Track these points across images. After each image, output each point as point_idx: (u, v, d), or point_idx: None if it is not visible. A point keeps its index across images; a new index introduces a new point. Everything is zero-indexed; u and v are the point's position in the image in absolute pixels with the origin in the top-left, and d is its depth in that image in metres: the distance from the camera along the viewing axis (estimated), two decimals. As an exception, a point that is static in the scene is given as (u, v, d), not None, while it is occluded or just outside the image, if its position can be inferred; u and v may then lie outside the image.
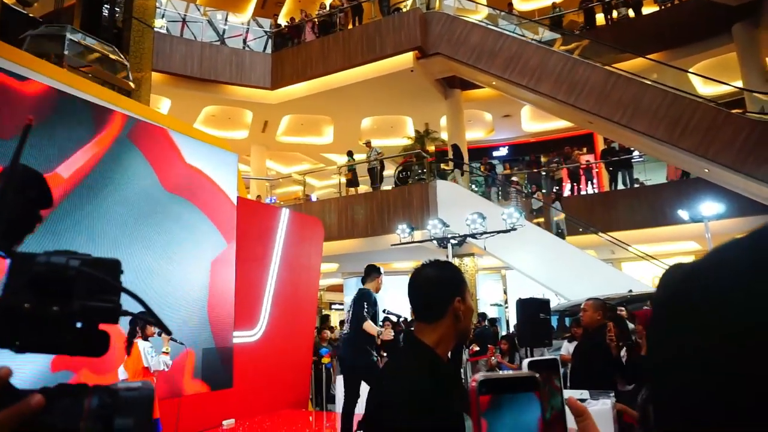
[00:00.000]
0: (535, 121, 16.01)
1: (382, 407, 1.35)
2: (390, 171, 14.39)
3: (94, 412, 0.62)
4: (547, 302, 5.79)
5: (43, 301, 0.64)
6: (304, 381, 7.62)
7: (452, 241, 7.50)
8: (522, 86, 11.45)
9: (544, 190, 13.45)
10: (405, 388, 1.35)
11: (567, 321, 9.57)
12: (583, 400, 2.63)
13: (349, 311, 5.31)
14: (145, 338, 4.41)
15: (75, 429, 0.62)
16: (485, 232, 7.32)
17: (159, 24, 13.39)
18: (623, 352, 3.83)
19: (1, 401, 0.58)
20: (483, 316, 11.49)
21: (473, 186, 14.07)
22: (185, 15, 16.21)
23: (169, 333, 0.70)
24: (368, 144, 14.07)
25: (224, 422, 6.23)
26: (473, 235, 7.43)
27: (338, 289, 18.14)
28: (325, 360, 7.46)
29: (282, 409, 7.01)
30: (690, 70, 12.01)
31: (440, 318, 1.43)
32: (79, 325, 0.66)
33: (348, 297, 18.08)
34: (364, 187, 13.86)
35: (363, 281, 5.38)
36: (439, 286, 1.48)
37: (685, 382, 0.39)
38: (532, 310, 5.52)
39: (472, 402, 0.51)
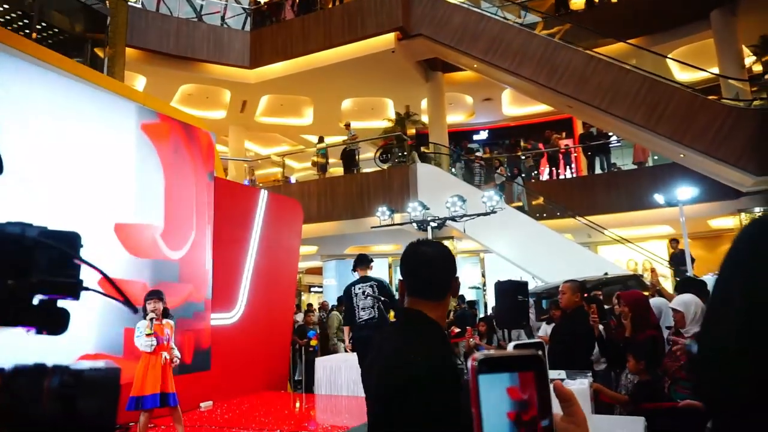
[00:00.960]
0: (516, 105, 16.05)
1: (406, 388, 1.30)
2: (369, 154, 14.30)
3: (53, 393, 0.58)
4: (524, 284, 5.85)
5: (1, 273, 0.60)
6: (283, 363, 7.62)
7: (432, 224, 7.49)
8: (503, 69, 11.43)
9: (523, 174, 13.55)
10: (433, 365, 1.32)
11: (544, 303, 9.74)
12: (561, 380, 2.66)
13: (367, 297, 5.40)
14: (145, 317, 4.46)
15: (34, 410, 0.58)
16: (465, 215, 7.33)
17: (133, -1, 12.98)
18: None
19: None
20: (462, 298, 11.60)
21: (453, 170, 14.09)
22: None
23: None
24: (347, 126, 13.96)
25: (202, 404, 6.20)
26: (453, 218, 7.44)
27: (317, 271, 18.12)
28: (313, 342, 7.46)
29: (261, 390, 7.00)
30: (668, 55, 12.12)
31: (443, 296, 1.44)
32: (36, 300, 0.62)
33: (327, 279, 18.09)
34: (336, 170, 13.79)
35: (356, 269, 5.63)
36: (444, 265, 1.47)
37: None
38: (510, 292, 5.57)
39: (471, 380, 0.49)
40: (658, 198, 10.15)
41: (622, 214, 11.70)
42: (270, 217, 7.38)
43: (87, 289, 0.64)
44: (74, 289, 0.60)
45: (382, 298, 5.21)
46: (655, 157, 12.99)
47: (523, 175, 13.52)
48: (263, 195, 7.40)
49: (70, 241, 0.65)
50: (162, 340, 4.52)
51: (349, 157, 13.30)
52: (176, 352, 4.68)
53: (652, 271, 5.94)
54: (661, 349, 3.45)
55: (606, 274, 8.01)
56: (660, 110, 9.50)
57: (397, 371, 1.34)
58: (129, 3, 10.10)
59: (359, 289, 5.55)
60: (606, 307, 5.23)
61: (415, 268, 1.52)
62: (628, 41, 11.67)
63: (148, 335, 4.42)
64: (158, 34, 12.98)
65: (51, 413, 0.56)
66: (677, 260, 10.56)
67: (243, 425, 5.39)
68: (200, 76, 13.98)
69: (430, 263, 1.49)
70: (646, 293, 5.13)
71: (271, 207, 7.42)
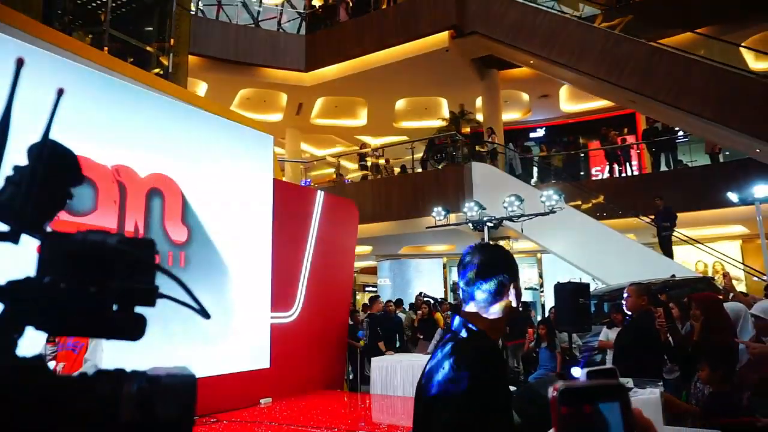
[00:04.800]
0: (574, 102, 15.55)
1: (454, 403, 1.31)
2: (419, 154, 14.24)
3: (132, 399, 0.59)
4: (586, 286, 5.64)
5: (79, 281, 0.61)
6: (340, 362, 7.69)
7: (488, 224, 7.36)
8: (561, 65, 11.10)
9: (582, 172, 13.13)
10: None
11: (605, 306, 9.39)
12: (629, 389, 2.54)
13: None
14: None
15: (112, 416, 0.59)
16: (523, 215, 7.16)
17: (195, 7, 13.49)
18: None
19: (40, 386, 0.56)
20: (515, 299, 11.32)
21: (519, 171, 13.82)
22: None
23: (207, 317, 0.67)
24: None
25: (261, 400, 6.35)
26: (510, 218, 7.28)
27: (372, 271, 18.22)
28: (363, 343, 7.50)
29: (317, 389, 7.10)
30: (741, 44, 11.41)
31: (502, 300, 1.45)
32: (115, 307, 0.63)
33: (381, 279, 18.16)
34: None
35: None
36: (507, 269, 1.46)
37: None
38: (570, 294, 5.38)
39: (553, 413, 0.46)
40: (732, 196, 9.57)
41: (691, 214, 11.10)
42: (326, 217, 7.47)
43: (162, 296, 0.64)
44: (150, 296, 0.61)
45: None
46: (726, 153, 12.26)
47: (581, 173, 13.11)
48: (320, 195, 7.51)
49: (146, 248, 0.66)
50: (62, 346, 3.40)
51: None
52: (85, 370, 3.16)
53: (725, 275, 5.59)
54: (735, 357, 3.24)
55: (673, 276, 7.62)
56: (732, 103, 8.95)
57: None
58: (191, 12, 10.48)
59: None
60: (673, 311, 4.97)
61: (472, 270, 1.51)
62: (695, 31, 11.08)
63: (49, 342, 3.32)
64: (219, 42, 13.42)
65: (130, 419, 0.57)
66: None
67: (301, 422, 5.48)
68: (258, 81, 14.36)
69: (495, 266, 1.50)
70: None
71: (327, 207, 7.52)
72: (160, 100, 5.87)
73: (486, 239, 7.79)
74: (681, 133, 12.41)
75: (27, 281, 0.57)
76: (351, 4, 14.40)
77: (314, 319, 7.14)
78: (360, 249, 14.12)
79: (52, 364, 3.31)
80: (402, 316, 9.19)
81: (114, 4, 8.19)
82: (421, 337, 8.36)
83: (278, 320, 6.69)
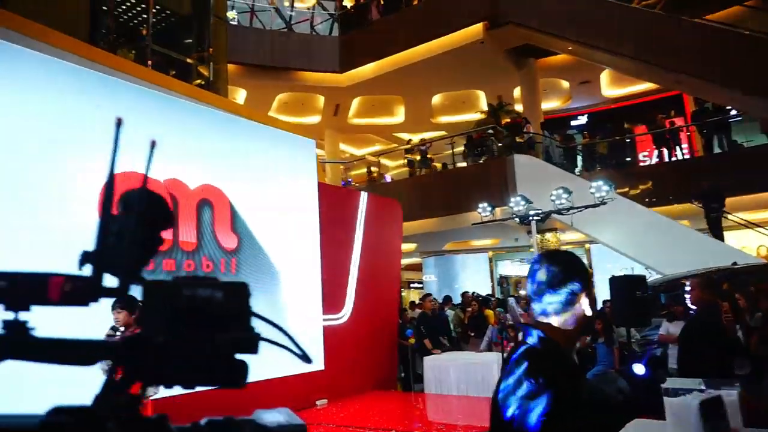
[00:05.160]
0: (617, 86, 15.06)
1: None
2: (460, 148, 14.08)
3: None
4: (643, 279, 5.46)
5: (179, 331, 0.61)
6: (392, 361, 7.71)
7: (535, 218, 7.21)
8: (601, 49, 10.77)
9: (628, 158, 12.71)
10: None
11: (662, 297, 9.07)
12: (701, 391, 2.44)
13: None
14: None
15: None
16: (572, 208, 6.98)
17: (230, 16, 13.75)
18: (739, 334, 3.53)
19: None
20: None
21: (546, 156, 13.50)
22: (253, 4, 16.57)
23: (309, 361, 0.66)
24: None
25: (318, 402, 6.43)
26: (559, 211, 7.12)
27: (417, 268, 18.18)
28: (411, 341, 7.49)
29: (371, 389, 7.14)
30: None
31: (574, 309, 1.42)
32: (219, 355, 0.63)
33: (427, 275, 18.12)
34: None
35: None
36: (578, 277, 1.43)
37: None
38: (626, 287, 5.21)
39: None
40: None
41: (750, 196, 10.57)
42: (371, 217, 7.49)
43: (264, 340, 0.64)
44: (253, 344, 0.60)
45: None
46: (786, 130, 11.61)
47: (628, 159, 12.68)
48: (364, 197, 7.53)
49: (241, 293, 0.65)
50: None
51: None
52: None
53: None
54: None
55: (734, 263, 7.28)
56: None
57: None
58: (228, 21, 10.68)
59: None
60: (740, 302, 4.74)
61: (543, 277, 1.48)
62: (744, 3, 10.54)
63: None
64: (255, 48, 13.63)
65: None
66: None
67: (358, 423, 5.52)
68: (295, 84, 14.51)
69: (571, 274, 1.49)
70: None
71: (371, 208, 7.53)
72: (204, 111, 6.00)
73: (534, 233, 7.63)
74: (734, 112, 11.83)
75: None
76: (382, 2, 14.37)
77: (364, 319, 7.17)
78: (404, 246, 14.09)
79: None
80: (450, 313, 9.12)
81: (154, 20, 8.42)
82: (473, 334, 8.28)
83: (330, 322, 6.75)
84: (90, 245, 0.60)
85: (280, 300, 6.25)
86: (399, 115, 16.50)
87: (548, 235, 12.16)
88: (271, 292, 6.21)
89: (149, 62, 7.59)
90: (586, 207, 6.93)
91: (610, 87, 15.19)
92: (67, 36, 5.52)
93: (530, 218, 7.00)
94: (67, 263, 0.59)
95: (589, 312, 1.46)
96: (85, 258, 0.63)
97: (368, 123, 16.67)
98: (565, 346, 1.46)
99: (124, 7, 8.09)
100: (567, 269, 1.47)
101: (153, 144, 0.65)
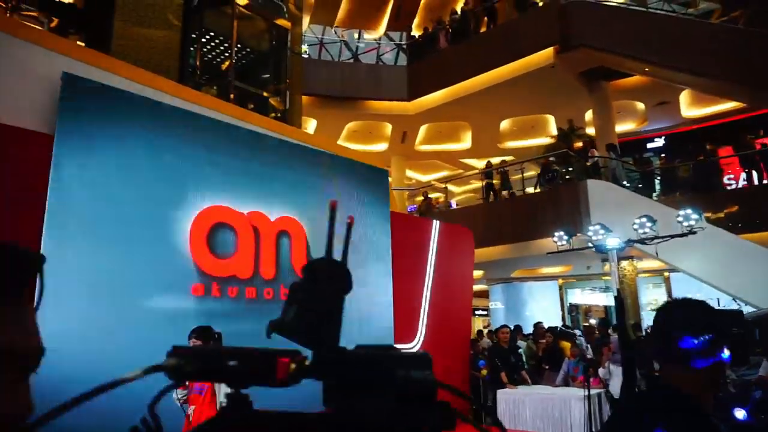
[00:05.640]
0: (698, 106, 14.35)
1: None
2: (530, 173, 13.81)
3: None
4: (739, 313, 5.07)
5: (371, 408, 0.61)
6: (465, 393, 7.53)
7: (615, 247, 6.91)
8: (682, 69, 10.34)
9: (712, 182, 11.99)
10: None
11: (756, 333, 8.41)
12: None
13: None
14: None
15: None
16: (656, 237, 6.65)
17: (302, 49, 14.31)
18: None
19: None
20: (637, 326, 10.39)
21: (626, 183, 12.99)
22: (322, 38, 17.20)
23: (503, 428, 0.65)
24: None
25: None
26: (642, 241, 6.79)
27: (483, 294, 17.85)
28: (484, 372, 7.30)
29: (443, 421, 6.99)
30: None
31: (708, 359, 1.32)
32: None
33: (493, 303, 17.73)
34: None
35: None
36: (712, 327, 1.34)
37: None
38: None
39: None
40: None
41: None
42: (443, 246, 7.44)
43: (460, 416, 0.62)
44: (451, 421, 0.59)
45: None
46: None
47: (712, 182, 11.97)
48: (436, 225, 7.51)
49: (422, 362, 0.65)
50: (191, 390, 3.61)
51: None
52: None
53: None
54: None
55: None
56: None
57: None
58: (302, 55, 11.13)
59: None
60: None
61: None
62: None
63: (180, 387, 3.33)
64: (325, 80, 14.08)
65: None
66: None
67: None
68: (364, 113, 14.83)
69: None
70: None
71: (443, 236, 7.50)
72: (283, 143, 6.23)
73: (614, 261, 7.30)
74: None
75: (333, 416, 0.58)
76: (450, 31, 14.51)
77: (436, 349, 7.07)
78: (472, 274, 13.90)
79: (185, 407, 3.57)
80: (522, 344, 8.85)
81: (236, 57, 8.89)
82: (547, 367, 7.98)
83: (401, 352, 6.71)
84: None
85: (353, 329, 6.29)
86: (466, 141, 16.46)
87: (624, 264, 11.64)
88: (343, 321, 6.26)
89: (231, 97, 7.99)
90: (673, 236, 6.58)
91: (691, 107, 14.51)
92: (160, 77, 5.93)
93: (610, 249, 6.70)
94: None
95: (726, 359, 1.38)
96: (279, 328, 0.66)
97: (435, 149, 16.73)
98: (701, 399, 1.37)
99: (209, 47, 8.59)
100: (699, 318, 1.39)
101: (332, 205, 0.66)
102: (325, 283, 0.69)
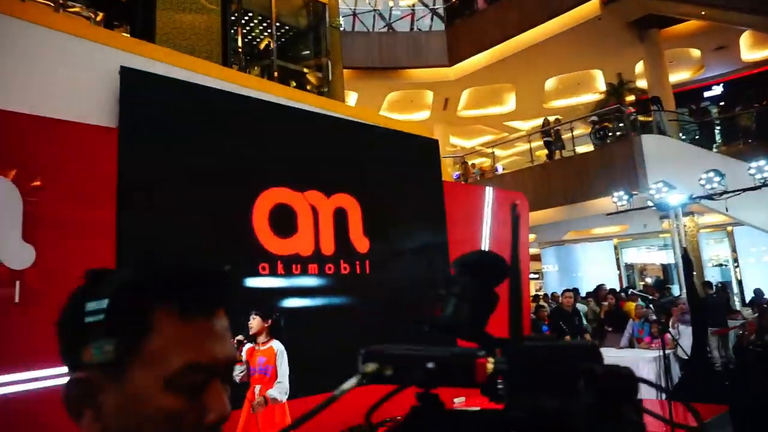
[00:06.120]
0: (760, 48, 13.44)
1: None
2: (579, 131, 13.32)
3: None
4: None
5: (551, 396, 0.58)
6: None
7: (679, 204, 6.62)
8: (740, 9, 9.67)
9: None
10: None
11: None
12: None
13: None
14: None
15: None
16: (725, 192, 6.32)
17: (339, 22, 14.14)
18: None
19: None
20: (708, 284, 10.03)
21: (682, 136, 12.38)
22: (355, 9, 16.92)
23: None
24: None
25: (455, 400, 6.43)
26: (710, 197, 6.48)
27: (534, 258, 17.62)
28: (547, 337, 7.22)
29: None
30: None
31: None
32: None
33: (546, 266, 17.50)
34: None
35: None
36: None
37: None
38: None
39: None
40: None
41: None
42: (497, 213, 7.34)
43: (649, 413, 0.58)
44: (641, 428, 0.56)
45: None
46: None
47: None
48: (489, 192, 7.39)
49: (598, 354, 0.61)
50: (254, 370, 3.56)
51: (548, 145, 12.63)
52: (274, 392, 3.48)
53: None
54: None
55: None
56: None
57: None
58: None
59: None
60: None
61: None
62: None
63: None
64: (363, 52, 13.92)
65: None
66: None
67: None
68: (403, 83, 14.63)
69: None
70: None
71: (497, 203, 7.38)
72: (329, 119, 6.21)
73: (680, 218, 7.01)
74: None
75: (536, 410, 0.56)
76: (488, -11, 14.02)
77: (497, 316, 7.04)
78: (524, 239, 13.69)
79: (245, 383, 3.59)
80: (582, 307, 8.69)
81: (276, 35, 8.87)
82: (610, 329, 7.83)
83: (461, 321, 6.71)
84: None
85: (411, 300, 6.31)
86: (509, 104, 16.05)
87: (685, 220, 11.20)
88: (401, 293, 6.30)
89: (275, 75, 8.01)
90: (745, 190, 6.24)
91: (752, 50, 13.61)
92: (204, 60, 5.97)
93: (673, 207, 6.43)
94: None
95: None
96: (439, 323, 0.64)
97: (478, 114, 16.40)
98: None
99: (248, 27, 8.60)
100: None
101: (514, 207, 0.63)
102: (481, 274, 0.67)
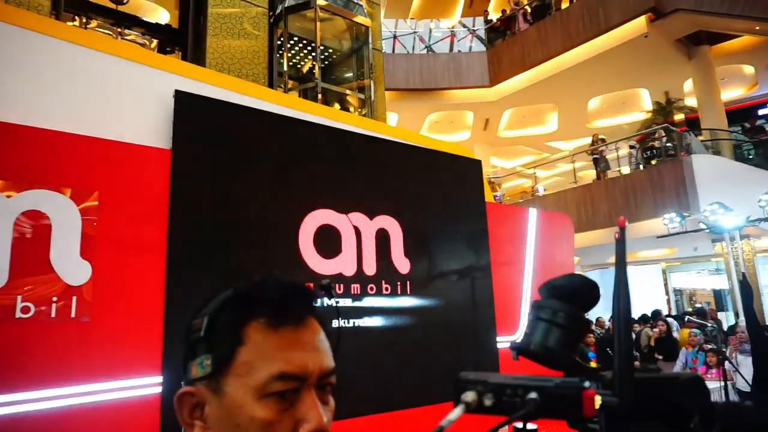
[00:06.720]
0: (818, 64, 12.93)
1: None
2: (623, 151, 13.00)
3: None
4: None
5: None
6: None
7: (735, 226, 6.33)
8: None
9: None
10: None
11: None
12: None
13: None
14: None
15: None
16: (787, 213, 6.02)
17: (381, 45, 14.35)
18: None
19: None
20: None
21: (734, 155, 11.91)
22: (395, 31, 17.14)
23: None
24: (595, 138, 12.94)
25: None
26: (770, 219, 6.19)
27: (578, 282, 17.14)
28: (593, 365, 6.97)
29: (552, 415, 6.77)
30: None
31: None
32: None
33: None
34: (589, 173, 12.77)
35: None
36: None
37: None
38: None
39: None
40: None
41: None
42: (542, 235, 7.19)
43: None
44: None
45: None
46: None
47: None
48: (533, 213, 7.26)
49: (702, 389, 0.57)
50: None
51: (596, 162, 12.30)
52: None
53: None
54: None
55: None
56: None
57: None
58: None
59: None
60: None
61: None
62: None
63: None
64: (404, 73, 14.05)
65: None
66: None
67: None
68: (444, 103, 14.65)
69: None
70: None
71: (541, 225, 7.24)
72: (374, 140, 6.24)
73: (738, 240, 6.71)
74: None
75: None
76: (530, 10, 13.97)
77: (541, 341, 6.86)
78: (567, 261, 13.35)
79: None
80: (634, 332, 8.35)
81: (320, 58, 9.06)
82: (660, 357, 7.51)
83: (505, 344, 6.56)
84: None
85: (454, 321, 6.22)
86: (551, 124, 15.85)
87: (740, 243, 10.71)
88: (444, 314, 6.21)
89: (319, 98, 8.15)
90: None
91: (809, 66, 13.10)
92: (251, 83, 6.13)
93: (729, 229, 6.15)
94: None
95: None
96: (527, 351, 0.62)
97: (519, 135, 16.24)
98: None
99: (294, 51, 8.81)
100: None
101: (621, 224, 0.61)
102: (571, 299, 0.64)
